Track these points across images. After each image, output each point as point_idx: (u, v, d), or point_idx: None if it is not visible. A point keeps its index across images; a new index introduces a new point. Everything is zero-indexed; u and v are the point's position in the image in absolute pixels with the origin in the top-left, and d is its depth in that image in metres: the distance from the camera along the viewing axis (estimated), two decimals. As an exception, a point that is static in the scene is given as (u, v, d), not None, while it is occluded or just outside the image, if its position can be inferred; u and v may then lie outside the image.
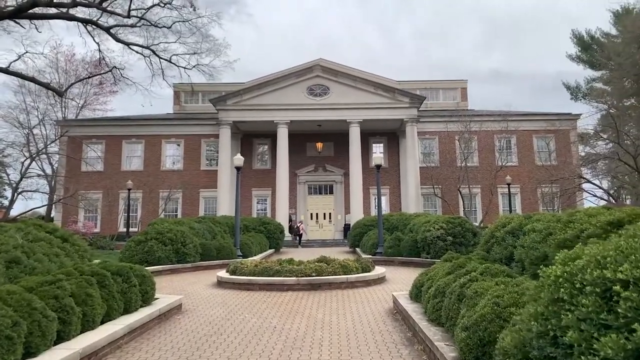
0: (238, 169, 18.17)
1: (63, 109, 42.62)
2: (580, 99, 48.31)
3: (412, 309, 7.24)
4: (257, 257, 18.08)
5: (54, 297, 5.58)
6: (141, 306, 7.62)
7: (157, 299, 8.47)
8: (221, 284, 11.65)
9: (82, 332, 5.89)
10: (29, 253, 7.77)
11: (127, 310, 7.13)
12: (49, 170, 39.11)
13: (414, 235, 16.74)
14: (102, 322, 6.46)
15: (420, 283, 7.75)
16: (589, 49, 47.81)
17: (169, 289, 11.26)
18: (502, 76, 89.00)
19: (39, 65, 52.04)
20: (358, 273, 11.52)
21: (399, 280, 12.32)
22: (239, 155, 18.65)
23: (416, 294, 7.88)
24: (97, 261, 16.17)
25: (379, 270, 12.38)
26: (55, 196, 31.21)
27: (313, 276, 10.88)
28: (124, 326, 6.37)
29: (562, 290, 2.62)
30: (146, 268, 14.31)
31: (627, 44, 34.00)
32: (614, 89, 38.67)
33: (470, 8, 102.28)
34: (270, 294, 10.28)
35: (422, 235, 15.87)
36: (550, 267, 2.97)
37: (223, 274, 12.09)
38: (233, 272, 11.87)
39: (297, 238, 31.32)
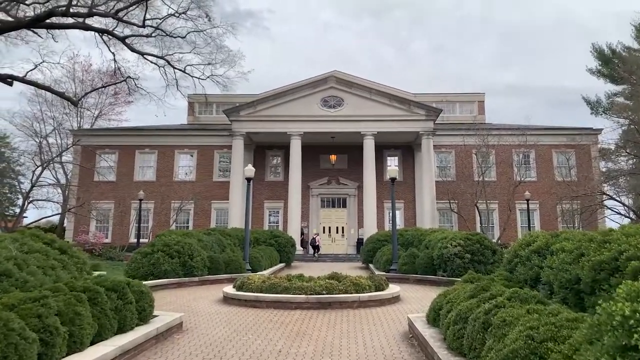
0: (249, 180, 17.71)
1: (78, 118, 42.86)
2: (601, 114, 47.23)
3: (430, 335, 6.62)
4: (267, 272, 17.53)
5: (36, 315, 5.09)
6: (137, 325, 7.10)
7: (156, 316, 7.95)
8: (227, 300, 11.11)
9: (68, 354, 5.38)
10: (22, 265, 7.31)
11: (121, 330, 6.62)
12: (63, 180, 39.27)
13: (429, 251, 16.06)
14: (93, 343, 5.95)
15: (438, 306, 7.12)
16: (609, 62, 46.80)
17: (173, 305, 10.75)
18: (518, 91, 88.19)
19: (55, 75, 52.61)
20: (371, 291, 10.90)
21: (414, 300, 11.66)
22: (249, 166, 18.21)
23: (434, 318, 7.25)
24: (99, 273, 15.78)
25: (393, 288, 11.74)
26: (68, 205, 31.03)
27: (323, 294, 10.29)
28: (116, 347, 5.85)
29: (636, 336, 2.04)
30: (151, 282, 13.94)
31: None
32: (636, 104, 37.65)
33: (485, 22, 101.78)
34: (277, 313, 9.71)
35: (439, 252, 15.19)
36: (613, 303, 2.37)
37: (229, 289, 11.55)
38: (240, 288, 11.33)
39: (315, 250, 31.43)
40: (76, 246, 28.65)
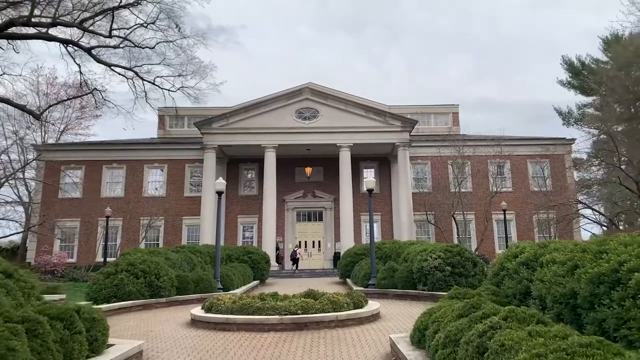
0: (219, 193, 16.91)
1: (42, 133, 41.35)
2: (572, 124, 48.01)
3: (415, 358, 5.98)
4: (239, 290, 16.68)
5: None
6: (88, 357, 6.27)
7: (111, 345, 7.11)
8: (195, 323, 10.28)
9: (-4, 399, 4.56)
10: (-47, 292, 6.44)
11: (67, 364, 5.79)
12: (26, 197, 37.58)
13: (409, 265, 15.49)
14: (30, 382, 5.12)
15: (423, 325, 6.49)
16: (579, 74, 47.71)
17: (135, 330, 9.86)
18: (490, 105, 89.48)
19: (18, 88, 50.88)
20: (349, 309, 10.23)
21: (395, 317, 11.02)
22: (220, 179, 17.41)
23: (419, 339, 6.61)
24: (59, 297, 14.72)
25: (372, 305, 11.09)
26: (29, 224, 29.51)
27: (299, 314, 9.56)
28: (56, 388, 5.03)
29: None
30: (115, 304, 12.96)
31: (618, 69, 33.70)
32: (606, 114, 38.22)
33: (457, 39, 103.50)
34: (249, 336, 8.93)
35: (418, 265, 14.64)
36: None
37: (197, 311, 10.73)
38: (208, 310, 10.52)
39: (293, 263, 31.07)
40: (37, 267, 27.25)
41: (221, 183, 17.01)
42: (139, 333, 9.39)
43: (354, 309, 10.36)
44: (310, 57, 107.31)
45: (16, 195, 39.88)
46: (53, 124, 35.78)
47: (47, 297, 14.79)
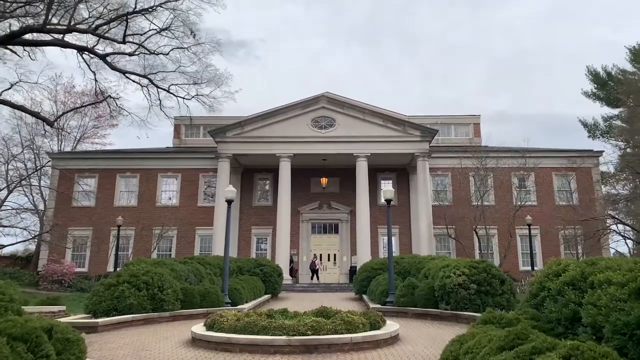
0: (229, 202, 16.06)
1: (58, 141, 41.25)
2: (598, 137, 46.36)
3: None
4: (248, 305, 15.75)
5: None
6: (58, 385, 5.39)
7: (92, 369, 6.22)
8: (195, 341, 9.37)
9: None
10: None
11: (31, 394, 4.91)
12: (41, 205, 37.35)
13: (430, 281, 14.39)
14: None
15: (453, 356, 5.47)
16: (605, 85, 46.20)
17: (129, 348, 8.98)
18: (510, 118, 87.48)
19: (35, 97, 51.09)
20: (365, 331, 9.21)
21: (416, 340, 9.95)
22: (230, 187, 16.59)
23: (448, 372, 5.60)
24: (58, 308, 13.94)
25: (390, 326, 10.04)
26: (39, 233, 29.07)
27: (308, 335, 8.57)
28: None
29: None
30: (114, 318, 12.07)
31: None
32: (634, 126, 36.66)
33: (475, 50, 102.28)
34: (252, 358, 7.98)
35: (441, 282, 13.54)
36: None
37: (198, 328, 9.81)
38: (210, 327, 9.60)
39: (313, 274, 30.78)
40: (44, 276, 26.70)
41: (231, 191, 16.18)
42: (130, 353, 8.50)
43: (370, 330, 9.34)
44: (325, 70, 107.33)
45: (31, 203, 39.80)
46: (67, 132, 35.54)
47: (46, 309, 14.07)
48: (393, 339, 9.47)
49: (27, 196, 36.89)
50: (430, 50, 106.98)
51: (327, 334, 8.68)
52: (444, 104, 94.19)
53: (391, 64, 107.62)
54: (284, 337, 8.46)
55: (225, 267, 15.45)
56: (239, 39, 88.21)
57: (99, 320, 11.40)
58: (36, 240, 29.67)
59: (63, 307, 14.13)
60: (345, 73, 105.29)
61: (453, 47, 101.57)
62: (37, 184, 35.73)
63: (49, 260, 29.64)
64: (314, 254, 32.39)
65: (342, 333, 8.81)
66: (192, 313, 13.76)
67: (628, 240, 34.67)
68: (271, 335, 8.62)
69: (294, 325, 8.78)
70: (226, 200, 16.10)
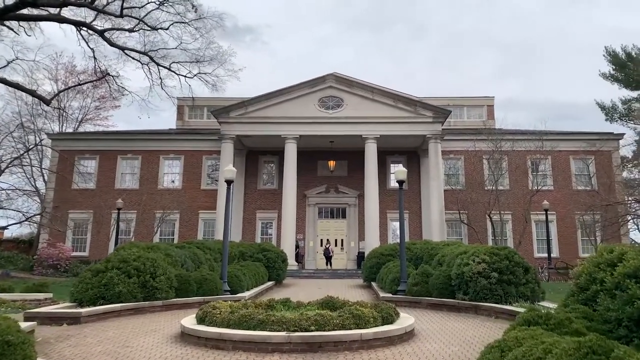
0: (229, 182, 14.94)
1: (60, 124, 40.31)
2: (616, 120, 44.60)
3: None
4: (249, 293, 14.71)
5: None
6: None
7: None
8: (184, 337, 8.30)
9: None
10: None
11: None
12: (44, 189, 36.52)
13: (445, 269, 13.24)
14: None
15: (492, 367, 4.33)
16: (624, 67, 44.31)
17: (107, 345, 7.92)
18: (520, 105, 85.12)
19: (38, 77, 50.05)
20: (376, 325, 8.09)
21: (434, 335, 8.82)
22: (230, 166, 15.45)
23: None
24: (45, 296, 12.95)
25: (405, 319, 8.92)
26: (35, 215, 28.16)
27: (312, 331, 7.47)
28: None
29: None
30: (101, 307, 10.99)
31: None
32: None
33: (483, 38, 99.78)
34: (246, 358, 6.90)
35: (458, 270, 12.38)
36: None
37: (189, 321, 8.74)
38: (201, 320, 8.53)
39: (327, 261, 30.23)
40: (39, 261, 25.87)
41: (230, 170, 15.04)
42: (108, 351, 7.44)
43: (382, 325, 8.22)
44: (332, 57, 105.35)
45: (32, 185, 39.00)
46: (66, 112, 34.45)
47: (31, 297, 13.08)
48: (408, 335, 8.35)
49: (28, 178, 36.12)
50: (438, 38, 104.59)
51: (333, 330, 7.58)
52: (453, 91, 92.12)
53: (399, 52, 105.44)
54: (283, 334, 7.36)
55: (225, 252, 14.37)
56: (245, 24, 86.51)
57: (82, 310, 10.37)
58: (37, 223, 28.78)
59: (50, 295, 13.16)
60: (352, 60, 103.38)
61: (461, 35, 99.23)
62: (37, 165, 34.88)
63: (48, 244, 28.83)
64: (327, 240, 31.40)
65: (350, 328, 7.71)
66: (188, 302, 12.72)
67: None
68: (269, 330, 7.53)
69: (295, 320, 7.67)
70: (226, 181, 14.98)
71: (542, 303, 11.58)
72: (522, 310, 10.38)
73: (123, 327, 9.68)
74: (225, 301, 10.11)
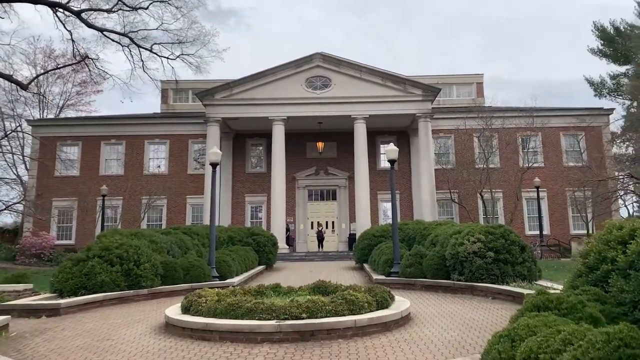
0: (214, 165, 14.40)
1: (41, 110, 39.26)
2: (605, 96, 44.50)
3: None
4: (238, 279, 14.30)
5: None
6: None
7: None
8: (169, 327, 7.86)
9: None
10: None
11: None
12: (26, 178, 35.63)
13: (439, 249, 12.91)
14: None
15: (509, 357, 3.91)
16: (612, 42, 44.01)
17: (87, 338, 7.46)
18: (507, 84, 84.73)
19: (14, 61, 48.65)
20: (371, 311, 7.71)
21: (431, 319, 8.47)
22: (215, 148, 14.89)
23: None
24: (17, 288, 12.40)
25: (400, 303, 8.55)
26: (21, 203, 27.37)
27: (303, 319, 7.06)
28: None
29: None
30: (82, 297, 10.42)
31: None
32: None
33: (466, 18, 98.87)
34: (234, 350, 6.47)
35: (453, 250, 12.04)
36: None
37: (173, 311, 8.29)
38: (186, 309, 8.08)
39: (319, 244, 30.01)
40: (22, 250, 25.22)
41: (215, 153, 14.48)
42: (87, 345, 6.98)
43: (377, 310, 7.84)
44: (319, 41, 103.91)
45: (14, 174, 38.07)
46: (45, 97, 33.39)
47: (10, 288, 12.51)
48: (404, 320, 7.98)
49: (9, 166, 35.19)
50: (424, 21, 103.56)
51: (325, 317, 7.17)
52: (441, 74, 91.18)
53: (386, 36, 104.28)
54: (273, 322, 6.94)
55: (212, 236, 13.91)
56: (228, 6, 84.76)
57: (62, 301, 9.88)
58: (17, 212, 28.03)
59: (30, 286, 12.59)
60: (340, 45, 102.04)
61: (447, 17, 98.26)
62: (19, 153, 33.99)
63: (31, 232, 28.15)
64: (318, 222, 31.06)
65: (343, 315, 7.31)
66: (174, 289, 12.27)
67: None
68: (258, 319, 7.10)
69: (285, 307, 7.26)
70: (211, 164, 14.44)
71: (539, 282, 11.31)
72: (520, 290, 10.12)
73: (105, 318, 9.21)
74: (212, 288, 9.67)
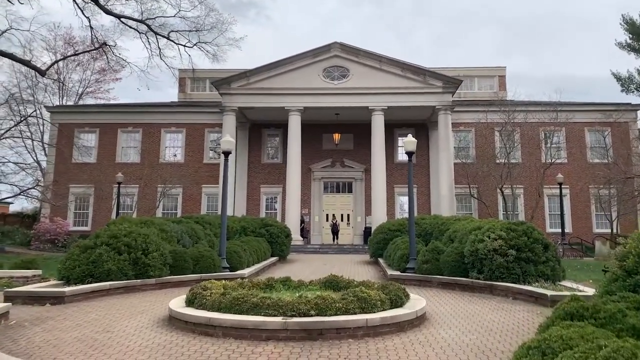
0: (226, 154, 14.04)
1: (60, 97, 39.44)
2: (633, 91, 43.01)
3: None
4: (249, 270, 13.97)
5: None
6: None
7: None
8: (172, 320, 7.53)
9: None
10: None
11: None
12: (45, 164, 35.85)
13: (458, 246, 12.38)
14: None
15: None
16: (642, 35, 42.50)
17: (86, 329, 7.17)
18: (527, 81, 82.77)
19: (34, 47, 48.94)
20: (384, 309, 7.27)
21: (448, 319, 8.00)
22: (227, 137, 14.51)
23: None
24: (26, 274, 12.24)
25: (415, 302, 8.09)
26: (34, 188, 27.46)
27: (311, 315, 6.67)
28: None
29: None
30: (89, 285, 10.06)
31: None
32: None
33: (488, 13, 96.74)
34: (237, 348, 6.10)
35: (472, 246, 11.51)
36: None
37: (177, 303, 7.97)
38: (190, 302, 7.75)
39: (334, 236, 29.65)
40: (36, 236, 25.30)
41: (228, 141, 14.11)
42: (85, 336, 6.68)
43: (390, 309, 7.40)
44: (337, 33, 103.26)
45: (34, 159, 38.38)
46: (63, 83, 33.47)
47: (19, 273, 12.37)
48: (419, 320, 7.53)
49: (29, 152, 35.43)
50: (442, 14, 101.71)
51: (335, 315, 6.77)
52: (458, 68, 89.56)
53: (403, 29, 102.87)
54: (279, 319, 6.55)
55: (223, 226, 13.58)
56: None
57: (66, 289, 9.64)
58: (32, 197, 28.16)
59: (39, 272, 12.46)
60: (357, 36, 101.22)
61: (466, 11, 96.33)
62: (38, 139, 34.16)
63: (50, 218, 28.29)
64: (334, 215, 30.66)
65: (354, 313, 6.89)
66: (183, 280, 11.98)
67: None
68: (264, 315, 6.73)
69: (293, 303, 6.86)
70: (223, 152, 14.08)
71: (563, 283, 10.75)
72: (543, 291, 9.57)
73: (109, 308, 8.94)
74: (219, 280, 9.34)
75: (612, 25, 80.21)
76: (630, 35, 43.80)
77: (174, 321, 7.40)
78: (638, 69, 43.64)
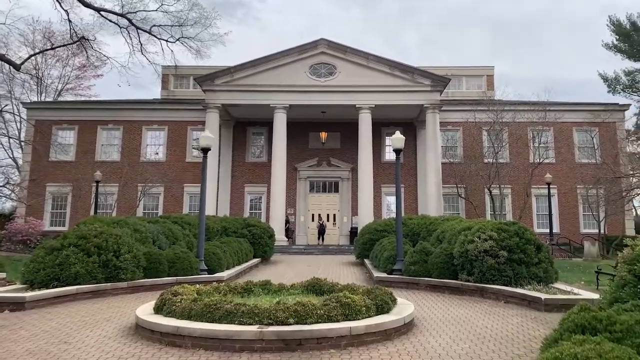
0: (205, 150, 13.39)
1: (39, 93, 38.39)
2: (619, 92, 43.13)
3: None
4: (228, 272, 13.31)
5: None
6: None
7: None
8: (139, 329, 6.89)
9: None
10: None
11: None
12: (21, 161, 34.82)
13: (447, 246, 11.88)
14: None
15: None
16: (628, 37, 42.62)
17: (42, 340, 6.50)
18: (514, 82, 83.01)
19: (12, 42, 47.59)
20: (370, 316, 6.72)
21: (437, 326, 7.46)
22: (207, 132, 13.84)
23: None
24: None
25: (403, 307, 7.54)
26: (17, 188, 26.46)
27: (289, 324, 6.08)
28: None
29: None
30: (54, 290, 9.28)
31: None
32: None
33: (475, 14, 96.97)
34: (209, 359, 5.50)
35: (461, 247, 11.02)
36: None
37: (144, 310, 7.32)
38: (159, 309, 7.11)
39: (320, 237, 29.02)
40: (7, 236, 24.36)
41: (207, 137, 13.44)
42: (39, 348, 6.01)
43: (376, 315, 6.85)
44: (325, 34, 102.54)
45: (11, 158, 37.29)
46: (40, 79, 32.41)
47: (-18, 277, 11.62)
48: (407, 327, 6.98)
49: (5, 150, 34.43)
50: (430, 16, 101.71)
51: (316, 323, 6.19)
52: (446, 70, 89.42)
53: (391, 31, 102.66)
54: (254, 328, 5.95)
55: (201, 226, 12.92)
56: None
57: (27, 294, 8.93)
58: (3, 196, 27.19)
59: (3, 275, 11.68)
60: (345, 37, 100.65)
61: (453, 12, 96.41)
62: (15, 137, 33.16)
63: (24, 218, 27.29)
64: (319, 215, 30.07)
65: (337, 321, 6.32)
66: (157, 283, 11.31)
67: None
68: (238, 324, 6.13)
69: (270, 310, 6.26)
70: (202, 148, 13.43)
71: (556, 285, 10.30)
72: (537, 294, 9.07)
73: (73, 315, 8.26)
74: (194, 283, 8.72)
75: (600, 26, 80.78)
76: (617, 37, 44.02)
77: (141, 330, 6.77)
78: (624, 70, 43.93)
